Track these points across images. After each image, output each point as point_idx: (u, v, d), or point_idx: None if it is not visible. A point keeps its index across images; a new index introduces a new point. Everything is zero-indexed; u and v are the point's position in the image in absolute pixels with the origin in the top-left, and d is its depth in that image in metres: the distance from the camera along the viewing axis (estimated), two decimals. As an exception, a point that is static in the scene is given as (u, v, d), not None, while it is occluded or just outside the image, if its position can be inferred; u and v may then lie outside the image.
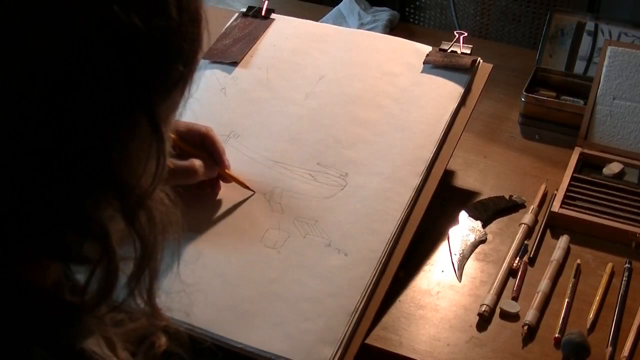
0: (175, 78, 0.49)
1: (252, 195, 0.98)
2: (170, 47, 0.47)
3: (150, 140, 0.48)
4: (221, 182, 0.99)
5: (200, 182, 0.95)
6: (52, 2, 0.42)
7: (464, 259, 0.97)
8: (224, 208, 0.97)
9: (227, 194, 0.98)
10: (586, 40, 1.30)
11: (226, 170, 0.97)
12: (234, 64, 1.15)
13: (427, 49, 1.14)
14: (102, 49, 0.43)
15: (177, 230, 0.53)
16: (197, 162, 0.93)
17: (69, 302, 0.49)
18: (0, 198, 0.44)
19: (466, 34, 1.13)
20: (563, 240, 0.99)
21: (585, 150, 1.14)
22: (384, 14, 1.49)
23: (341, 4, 1.53)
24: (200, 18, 0.50)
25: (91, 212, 0.46)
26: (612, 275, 0.95)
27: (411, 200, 0.96)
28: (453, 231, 1.01)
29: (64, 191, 0.45)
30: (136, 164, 0.48)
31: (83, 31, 0.43)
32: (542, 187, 1.08)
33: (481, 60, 1.11)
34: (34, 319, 0.47)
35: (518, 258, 0.97)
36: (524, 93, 1.22)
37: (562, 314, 0.89)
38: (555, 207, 1.03)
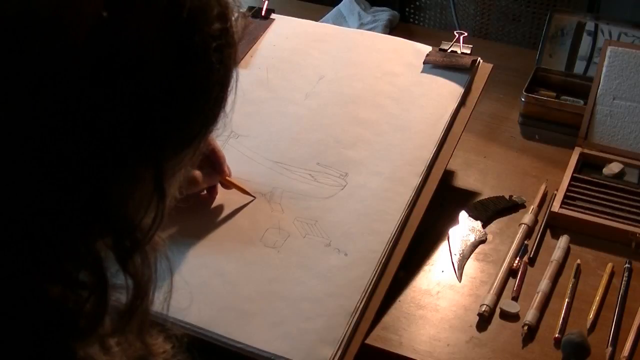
0: (190, 137, 0.48)
1: (252, 201, 0.98)
2: (191, 109, 0.47)
3: (151, 195, 0.47)
4: (219, 187, 0.98)
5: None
6: (78, 32, 0.42)
7: (464, 259, 0.97)
8: (223, 209, 0.97)
9: (227, 196, 0.98)
10: (586, 40, 1.30)
11: (227, 178, 0.97)
12: (234, 64, 1.15)
13: (427, 49, 1.14)
14: (116, 106, 0.43)
15: (169, 268, 0.52)
16: (197, 172, 0.91)
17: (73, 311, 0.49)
18: (2, 226, 0.44)
19: (466, 34, 1.13)
20: (563, 240, 0.99)
21: (585, 150, 1.14)
22: (384, 14, 1.49)
23: (341, 4, 1.53)
24: (229, 81, 0.49)
25: (87, 246, 0.46)
26: (612, 275, 0.95)
27: (411, 200, 0.96)
28: (453, 231, 1.01)
29: (61, 226, 0.45)
30: (135, 213, 0.47)
31: (101, 83, 0.43)
32: (542, 187, 1.08)
33: (481, 60, 1.11)
34: (40, 329, 0.47)
35: (518, 258, 0.97)
36: (524, 93, 1.22)
37: (562, 314, 0.89)
38: (555, 207, 1.03)
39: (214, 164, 0.95)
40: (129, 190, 0.46)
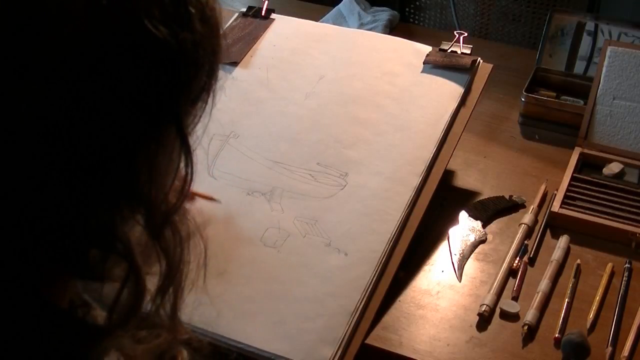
0: (200, 89, 0.49)
1: (216, 203, 0.96)
2: (196, 59, 0.48)
3: (178, 152, 0.48)
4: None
5: None
6: (81, 13, 0.42)
7: (464, 259, 0.97)
8: (223, 208, 0.97)
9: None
10: (586, 40, 1.30)
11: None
12: (234, 64, 1.15)
13: (427, 49, 1.14)
14: (130, 61, 0.44)
15: (201, 242, 0.52)
16: None
17: (86, 323, 0.49)
18: (24, 214, 0.44)
19: (466, 34, 1.13)
20: (563, 240, 0.99)
21: (585, 150, 1.14)
22: (384, 14, 1.49)
23: (341, 4, 1.53)
24: (219, 29, 0.51)
25: (117, 229, 0.46)
26: (612, 275, 0.95)
27: (411, 200, 0.96)
28: (453, 231, 1.01)
29: (89, 207, 0.45)
30: (164, 178, 0.48)
31: (112, 43, 0.43)
32: (542, 187, 1.08)
33: (481, 60, 1.11)
34: (51, 339, 0.46)
35: (518, 258, 0.97)
36: (524, 93, 1.22)
37: (562, 314, 0.89)
38: (555, 207, 1.03)
39: None
40: (154, 157, 0.46)
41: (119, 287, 0.47)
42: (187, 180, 0.49)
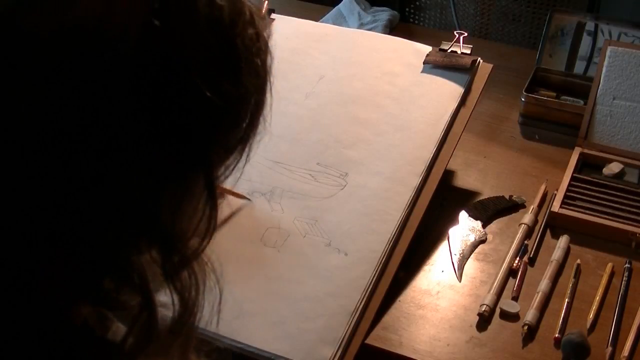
0: (237, 140, 0.48)
1: (247, 202, 0.96)
2: (238, 112, 0.47)
3: (204, 202, 0.47)
4: None
5: None
6: (133, 60, 0.41)
7: (464, 259, 0.97)
8: (223, 210, 0.97)
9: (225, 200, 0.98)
10: (586, 40, 1.30)
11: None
12: (234, 63, 1.15)
13: (427, 49, 1.14)
14: (171, 109, 0.43)
15: (217, 284, 0.52)
16: None
17: (106, 341, 0.48)
18: (46, 242, 0.43)
19: (466, 34, 1.13)
20: (563, 240, 0.99)
21: (585, 150, 1.14)
22: (384, 14, 1.49)
23: (341, 4, 1.53)
24: (267, 83, 0.49)
25: (134, 263, 0.45)
26: (612, 275, 0.95)
27: (411, 200, 0.96)
28: (453, 231, 1.01)
29: (109, 240, 0.44)
30: (187, 223, 0.47)
31: (158, 93, 0.42)
32: (542, 187, 1.08)
33: (481, 60, 1.11)
34: (58, 355, 0.45)
35: (518, 258, 0.97)
36: (524, 93, 1.22)
37: (562, 314, 0.89)
38: (555, 207, 1.03)
39: None
40: (178, 202, 0.46)
41: (132, 320, 0.46)
42: (210, 228, 0.48)
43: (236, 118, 0.47)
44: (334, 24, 1.40)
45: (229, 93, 0.45)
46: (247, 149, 0.50)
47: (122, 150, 0.42)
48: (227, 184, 0.51)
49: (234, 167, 0.50)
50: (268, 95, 0.50)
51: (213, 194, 0.47)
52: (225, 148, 0.48)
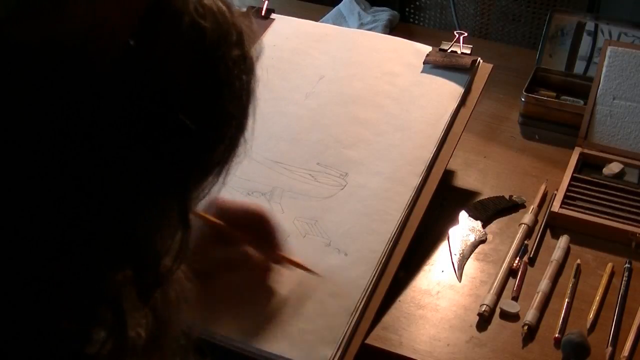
0: (213, 165, 0.48)
1: (313, 276, 0.88)
2: (217, 137, 0.47)
3: (175, 228, 0.47)
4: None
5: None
6: (116, 86, 0.41)
7: (464, 259, 0.97)
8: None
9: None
10: (586, 40, 1.30)
11: (280, 253, 0.87)
12: (234, 64, 1.15)
13: (427, 49, 1.14)
14: (146, 134, 0.43)
15: (192, 309, 0.51)
16: (250, 250, 0.85)
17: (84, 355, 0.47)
18: (18, 259, 0.43)
19: (466, 34, 1.13)
20: (563, 240, 0.99)
21: (585, 150, 1.14)
22: (384, 14, 1.49)
23: (341, 4, 1.53)
24: (248, 105, 0.50)
25: (106, 284, 0.45)
26: (612, 275, 0.95)
27: (411, 200, 0.96)
28: (453, 231, 1.01)
29: (82, 262, 0.44)
30: (160, 244, 0.47)
31: (133, 115, 0.42)
32: (542, 187, 1.08)
33: (481, 60, 1.11)
34: None
35: (518, 258, 0.97)
36: (524, 93, 1.22)
37: (562, 314, 0.89)
38: (555, 207, 1.03)
39: (268, 237, 0.86)
40: (153, 223, 0.46)
41: (105, 337, 0.46)
42: (182, 249, 0.48)
43: (215, 142, 0.47)
44: (334, 24, 1.40)
45: (208, 118, 0.45)
46: (224, 171, 0.50)
47: (97, 171, 0.42)
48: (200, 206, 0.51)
49: (210, 188, 0.50)
50: (250, 117, 0.50)
51: (186, 216, 0.47)
52: (202, 171, 0.48)
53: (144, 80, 0.42)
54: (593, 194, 1.06)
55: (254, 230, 0.86)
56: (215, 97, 0.46)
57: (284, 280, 0.88)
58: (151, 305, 0.47)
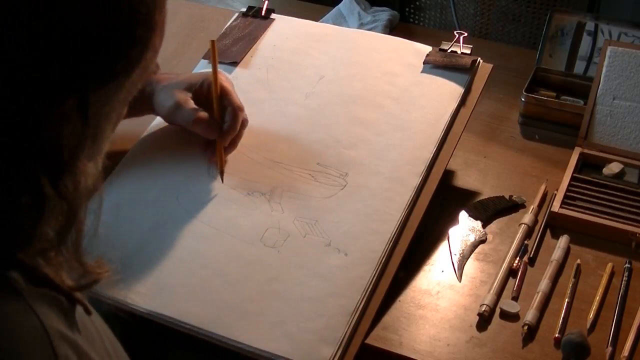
0: (114, 74, 0.53)
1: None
2: (110, 44, 0.51)
3: (78, 123, 0.51)
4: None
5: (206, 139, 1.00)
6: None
7: (464, 259, 0.97)
8: (223, 205, 0.97)
9: (226, 190, 0.98)
10: (586, 40, 1.30)
11: (221, 143, 0.98)
12: (234, 64, 1.15)
13: (427, 49, 1.14)
14: (40, 35, 0.48)
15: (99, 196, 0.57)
16: (202, 114, 0.97)
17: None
18: None
19: (466, 34, 1.13)
20: (563, 240, 0.99)
21: (585, 150, 1.14)
22: (384, 14, 1.49)
23: (341, 4, 1.53)
24: (154, 23, 0.54)
25: (23, 169, 0.50)
26: (612, 275, 0.95)
27: (411, 200, 0.96)
28: (453, 231, 1.01)
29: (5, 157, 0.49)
30: (63, 140, 0.51)
31: (27, 19, 0.47)
32: (542, 187, 1.08)
33: (481, 60, 1.11)
34: None
35: (518, 258, 0.97)
36: (524, 93, 1.22)
37: (562, 314, 0.89)
38: (555, 207, 1.03)
39: (224, 117, 0.98)
40: (55, 120, 0.50)
41: (27, 210, 0.51)
42: (81, 141, 0.53)
43: (114, 48, 0.51)
44: (334, 24, 1.40)
45: (101, 26, 0.50)
46: (128, 85, 0.55)
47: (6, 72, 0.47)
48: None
49: (118, 101, 0.56)
50: (156, 41, 0.55)
51: (85, 114, 0.52)
52: (101, 78, 0.52)
53: None
54: (593, 194, 1.06)
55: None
56: (113, 8, 0.50)
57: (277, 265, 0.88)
58: (62, 192, 0.52)
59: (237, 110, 0.98)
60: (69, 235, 0.54)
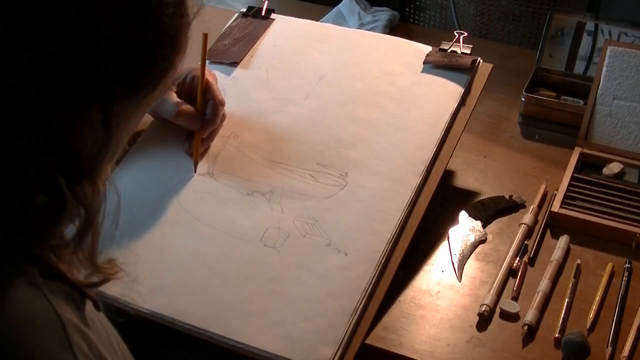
0: (138, 88, 0.54)
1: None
2: (140, 61, 0.53)
3: (101, 134, 0.53)
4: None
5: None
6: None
7: (464, 259, 0.97)
8: (223, 205, 0.97)
9: (224, 190, 0.98)
10: (586, 40, 1.30)
11: (199, 135, 1.00)
12: (234, 64, 1.15)
13: (427, 49, 1.14)
14: (73, 45, 0.49)
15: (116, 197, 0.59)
16: (185, 107, 1.00)
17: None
18: None
19: (466, 34, 1.13)
20: (563, 240, 0.99)
21: (585, 150, 1.14)
22: (384, 14, 1.49)
23: (341, 4, 1.53)
24: (180, 45, 0.56)
25: (42, 172, 0.51)
26: (612, 275, 0.95)
27: (411, 200, 0.96)
28: (453, 231, 1.01)
29: (25, 161, 0.51)
30: (84, 146, 0.53)
31: (62, 29, 0.49)
32: (542, 187, 1.08)
33: (481, 60, 1.11)
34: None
35: (518, 258, 0.97)
36: (524, 93, 1.22)
37: (562, 314, 0.89)
38: (555, 207, 1.03)
39: (207, 109, 1.00)
40: (79, 126, 0.52)
41: (45, 208, 0.52)
42: (104, 149, 0.54)
43: (137, 66, 0.53)
44: (334, 24, 1.40)
45: (131, 41, 0.52)
46: (149, 99, 0.57)
47: (29, 84, 0.49)
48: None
49: (138, 112, 0.58)
50: (181, 56, 0.57)
51: (108, 122, 0.53)
52: (125, 91, 0.54)
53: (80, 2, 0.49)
54: (593, 194, 1.06)
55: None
56: (144, 26, 0.52)
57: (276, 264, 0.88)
58: (80, 197, 0.53)
59: (218, 104, 1.01)
60: (86, 239, 0.55)
